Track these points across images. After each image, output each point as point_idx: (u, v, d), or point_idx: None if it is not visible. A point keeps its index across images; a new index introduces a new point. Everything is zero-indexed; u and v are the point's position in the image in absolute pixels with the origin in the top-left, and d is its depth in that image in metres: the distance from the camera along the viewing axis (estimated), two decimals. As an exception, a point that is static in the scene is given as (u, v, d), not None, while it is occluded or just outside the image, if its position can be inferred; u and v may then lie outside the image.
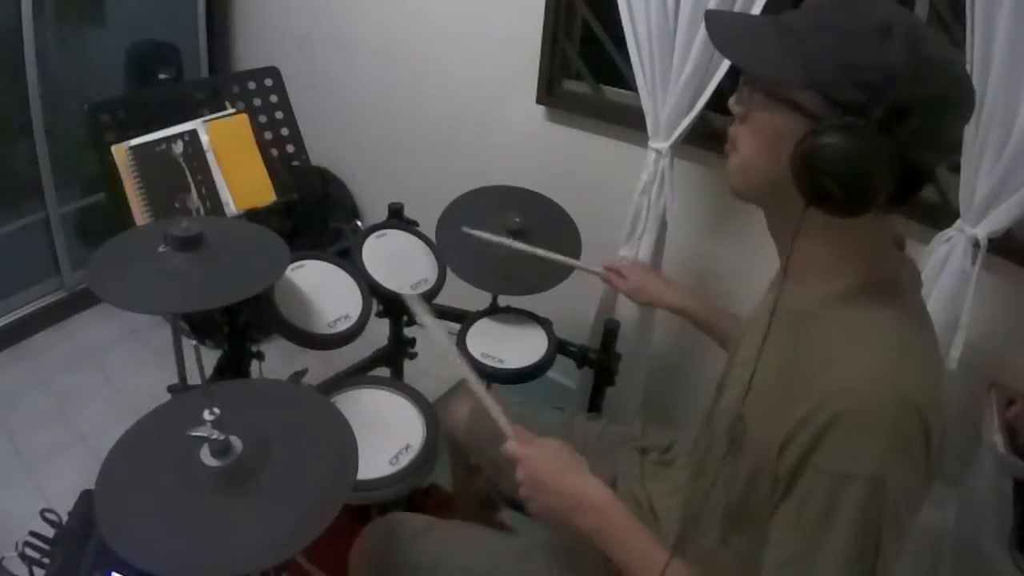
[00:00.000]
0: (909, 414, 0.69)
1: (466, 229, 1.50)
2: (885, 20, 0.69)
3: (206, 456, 0.84)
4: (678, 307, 1.35)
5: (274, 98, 1.73)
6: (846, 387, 0.70)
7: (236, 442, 0.86)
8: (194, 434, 0.83)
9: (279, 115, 1.73)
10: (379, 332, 1.70)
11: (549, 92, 2.06)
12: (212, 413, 0.84)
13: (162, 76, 2.43)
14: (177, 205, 1.49)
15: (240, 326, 1.52)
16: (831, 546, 0.70)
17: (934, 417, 0.71)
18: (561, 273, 1.56)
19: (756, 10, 1.49)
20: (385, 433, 1.26)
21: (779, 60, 0.73)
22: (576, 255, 1.60)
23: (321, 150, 2.36)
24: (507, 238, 1.49)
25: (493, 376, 1.48)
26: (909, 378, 0.70)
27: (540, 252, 1.47)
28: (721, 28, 0.81)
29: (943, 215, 1.44)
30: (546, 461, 0.93)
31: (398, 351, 1.78)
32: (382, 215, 1.72)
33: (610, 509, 0.89)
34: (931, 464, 0.72)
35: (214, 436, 0.83)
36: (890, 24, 0.68)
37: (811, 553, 0.71)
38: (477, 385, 1.04)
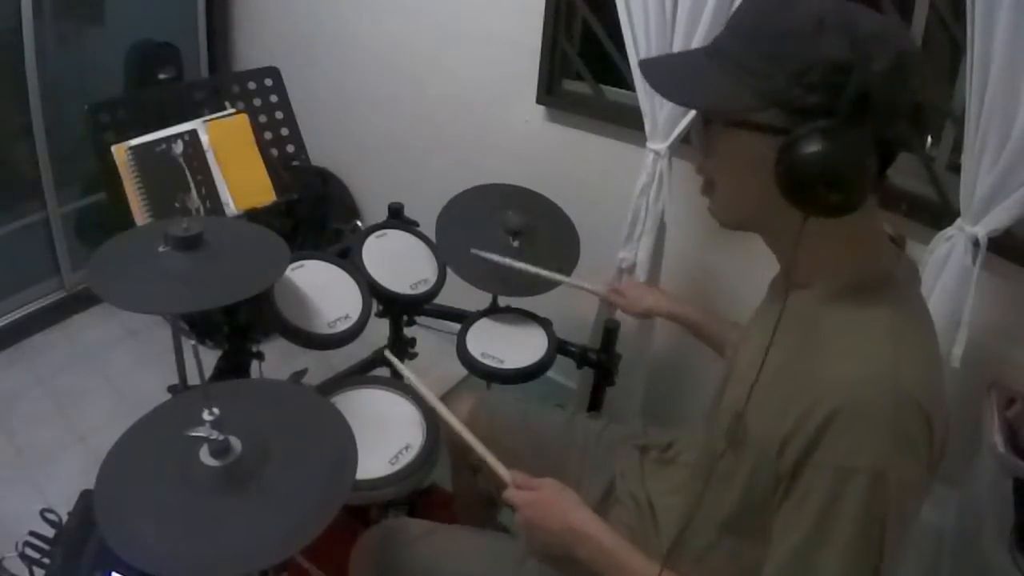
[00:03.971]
0: (908, 406, 0.69)
1: (475, 251, 1.52)
2: (814, 16, 0.68)
3: (206, 456, 0.84)
4: (674, 314, 1.38)
5: (274, 98, 1.73)
6: (843, 382, 0.70)
7: (235, 442, 0.86)
8: (194, 434, 0.83)
9: (279, 115, 1.73)
10: (379, 332, 1.70)
11: (549, 92, 2.06)
12: (212, 413, 0.84)
13: (162, 76, 2.43)
14: (177, 205, 1.49)
15: (240, 326, 1.52)
16: (834, 541, 0.70)
17: (935, 409, 0.70)
18: (561, 273, 1.56)
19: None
20: (385, 433, 1.26)
21: (725, 88, 0.73)
22: (575, 256, 1.60)
23: (321, 150, 2.36)
24: (515, 260, 1.50)
25: (493, 376, 1.48)
26: (906, 371, 0.70)
27: (546, 273, 1.49)
28: (659, 74, 0.80)
29: (943, 215, 1.44)
30: (540, 505, 0.98)
31: (398, 351, 1.78)
32: (382, 215, 1.72)
33: (600, 538, 0.93)
34: (934, 456, 0.72)
35: (213, 436, 0.83)
36: (820, 18, 0.68)
37: (814, 549, 0.71)
38: (472, 438, 1.12)
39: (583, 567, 0.93)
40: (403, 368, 1.27)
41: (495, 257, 1.50)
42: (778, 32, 0.70)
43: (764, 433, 0.77)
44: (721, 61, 0.74)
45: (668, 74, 0.81)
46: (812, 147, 0.67)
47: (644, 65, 0.81)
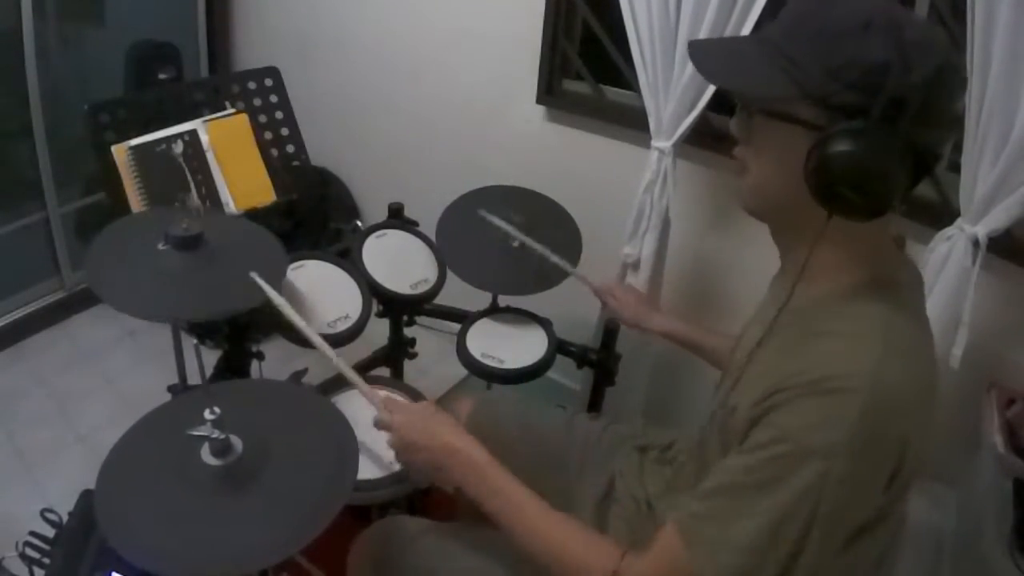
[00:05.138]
0: (882, 408, 0.68)
1: (482, 212, 1.53)
2: (863, 16, 0.69)
3: (206, 455, 0.84)
4: (665, 331, 1.38)
5: (274, 98, 1.73)
6: (823, 369, 0.69)
7: (236, 441, 0.86)
8: (194, 433, 0.83)
9: (279, 115, 1.73)
10: (379, 332, 1.70)
11: (549, 92, 2.06)
12: (212, 412, 0.84)
13: (162, 76, 2.43)
14: (177, 205, 1.49)
15: (240, 326, 1.52)
16: (760, 501, 0.69)
17: (913, 416, 0.70)
18: (562, 273, 1.56)
19: (750, 21, 1.51)
20: (385, 433, 1.25)
21: (767, 77, 0.73)
22: (576, 255, 1.60)
23: (321, 150, 2.36)
24: (517, 231, 1.51)
25: (493, 376, 1.48)
26: (889, 373, 0.69)
27: (552, 256, 1.49)
28: (705, 57, 0.81)
29: (943, 215, 1.44)
30: (413, 424, 0.99)
31: (398, 351, 1.78)
32: (382, 215, 1.72)
33: (474, 456, 0.94)
34: (903, 467, 0.70)
35: (214, 435, 0.83)
36: (868, 18, 0.68)
37: (742, 497, 0.71)
38: (327, 349, 1.10)
39: (460, 486, 0.94)
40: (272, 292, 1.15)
41: (502, 223, 1.51)
42: (825, 27, 0.70)
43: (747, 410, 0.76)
44: (764, 48, 0.75)
45: (714, 56, 0.81)
46: (841, 146, 0.67)
47: (692, 46, 0.81)
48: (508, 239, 1.52)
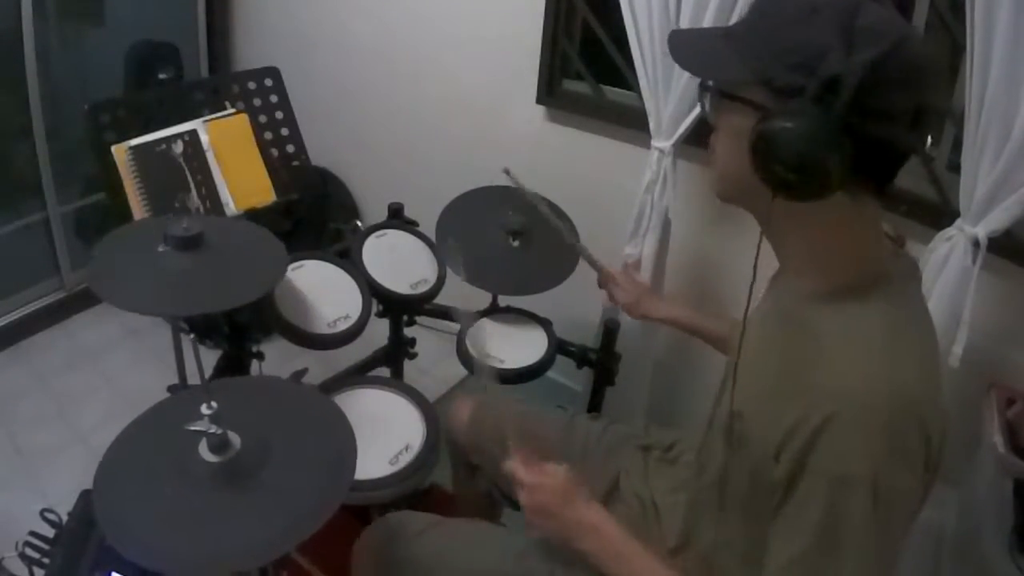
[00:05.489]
0: (903, 412, 0.69)
1: (506, 170, 1.52)
2: (812, 3, 0.70)
3: (205, 452, 0.84)
4: (670, 318, 1.37)
5: (274, 98, 1.73)
6: (837, 388, 0.70)
7: (234, 437, 0.86)
8: (192, 428, 0.83)
9: (279, 115, 1.73)
10: (379, 332, 1.70)
11: (549, 92, 2.06)
12: (210, 407, 0.83)
13: (162, 76, 2.43)
14: (177, 205, 1.49)
15: (240, 326, 1.52)
16: (840, 552, 0.70)
17: (930, 412, 0.70)
18: (561, 273, 1.56)
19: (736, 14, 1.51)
20: (385, 433, 1.26)
21: (724, 62, 0.76)
22: (575, 256, 1.60)
23: (321, 150, 2.36)
24: (540, 203, 1.50)
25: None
26: (901, 374, 0.70)
27: (563, 227, 1.49)
28: (679, 45, 0.84)
29: (943, 215, 1.44)
30: (550, 493, 0.96)
31: (398, 351, 1.78)
32: (382, 215, 1.72)
33: (608, 533, 0.92)
34: (930, 460, 0.72)
35: (212, 430, 0.83)
36: (816, 5, 0.70)
37: (817, 559, 0.71)
38: (499, 394, 1.11)
39: (585, 557, 0.93)
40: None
41: (525, 188, 1.50)
42: (777, 16, 0.73)
43: (763, 434, 0.77)
44: (731, 39, 0.77)
45: (685, 46, 0.85)
46: (774, 125, 0.69)
47: (673, 35, 0.85)
48: (508, 240, 1.52)
